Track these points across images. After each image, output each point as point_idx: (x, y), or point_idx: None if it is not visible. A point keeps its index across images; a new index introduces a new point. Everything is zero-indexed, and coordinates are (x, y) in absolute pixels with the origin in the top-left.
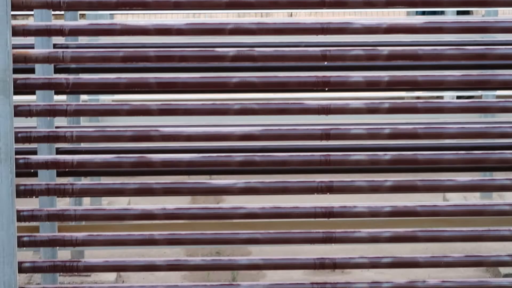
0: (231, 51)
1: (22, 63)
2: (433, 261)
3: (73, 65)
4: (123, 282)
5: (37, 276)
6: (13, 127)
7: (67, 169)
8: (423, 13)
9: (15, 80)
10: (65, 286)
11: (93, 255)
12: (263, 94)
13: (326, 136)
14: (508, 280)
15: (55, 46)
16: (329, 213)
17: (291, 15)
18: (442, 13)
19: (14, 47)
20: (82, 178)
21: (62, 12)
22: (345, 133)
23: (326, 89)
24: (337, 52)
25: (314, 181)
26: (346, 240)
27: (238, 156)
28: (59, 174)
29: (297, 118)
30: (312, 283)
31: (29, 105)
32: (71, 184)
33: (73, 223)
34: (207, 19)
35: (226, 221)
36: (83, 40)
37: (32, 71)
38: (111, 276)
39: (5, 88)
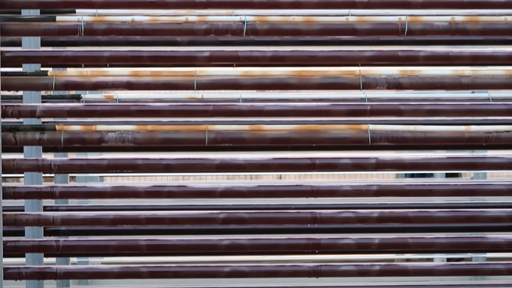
0: (222, 213)
1: (12, 226)
2: None
3: (63, 228)
4: None
5: None
6: None
7: None
8: (412, 175)
9: (5, 243)
10: None
11: None
12: (254, 256)
13: None
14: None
15: (45, 208)
16: None
17: (280, 177)
18: (431, 175)
19: (5, 209)
20: None
21: (53, 174)
22: None
23: (317, 251)
24: (327, 214)
25: None
26: None
27: None
28: None
29: (288, 280)
30: None
31: (18, 268)
32: None
33: None
34: (197, 181)
35: None
36: (73, 202)
37: (22, 233)
38: None
39: None
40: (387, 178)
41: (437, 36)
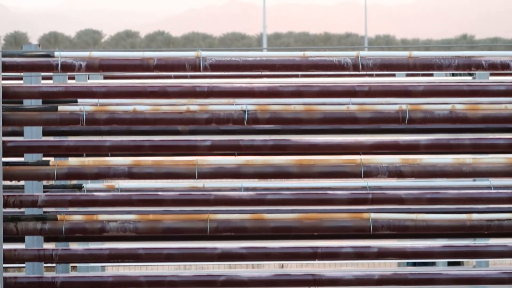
0: None
1: None
2: None
3: None
4: None
5: None
6: None
7: None
8: (414, 263)
9: None
10: None
11: None
12: None
13: None
14: None
15: None
16: None
17: (282, 266)
18: (433, 263)
19: None
20: None
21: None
22: None
23: None
24: None
25: None
26: None
27: None
28: None
29: None
30: None
31: None
32: None
33: None
34: (199, 271)
35: None
36: None
37: None
38: None
39: None
40: (389, 266)
41: (438, 124)
